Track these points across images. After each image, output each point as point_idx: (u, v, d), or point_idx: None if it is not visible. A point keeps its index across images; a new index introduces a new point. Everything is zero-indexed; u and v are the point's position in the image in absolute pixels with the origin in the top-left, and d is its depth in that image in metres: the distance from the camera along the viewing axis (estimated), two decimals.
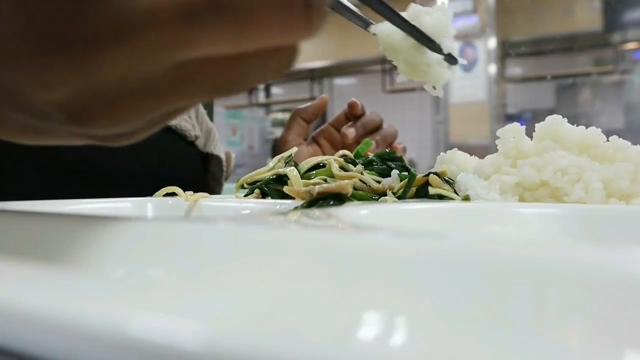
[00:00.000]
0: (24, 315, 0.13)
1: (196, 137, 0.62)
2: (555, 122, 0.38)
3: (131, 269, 0.16)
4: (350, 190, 0.31)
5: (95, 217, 0.21)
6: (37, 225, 0.21)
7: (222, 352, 0.10)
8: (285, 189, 0.36)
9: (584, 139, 0.37)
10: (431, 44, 0.39)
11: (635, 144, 0.37)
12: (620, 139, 0.37)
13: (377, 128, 0.61)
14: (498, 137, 0.39)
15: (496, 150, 0.39)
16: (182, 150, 0.61)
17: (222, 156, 0.68)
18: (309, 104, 0.65)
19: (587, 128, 0.38)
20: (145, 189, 0.56)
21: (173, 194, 0.39)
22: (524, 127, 0.39)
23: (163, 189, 0.40)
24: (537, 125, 0.39)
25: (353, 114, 0.62)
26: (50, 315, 0.13)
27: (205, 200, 0.37)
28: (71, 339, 0.12)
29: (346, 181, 0.31)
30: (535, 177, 0.35)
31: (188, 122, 0.61)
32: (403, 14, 0.38)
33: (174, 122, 0.58)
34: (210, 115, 0.71)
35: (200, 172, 0.66)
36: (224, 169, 0.68)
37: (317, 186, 0.30)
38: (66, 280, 0.16)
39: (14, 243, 0.20)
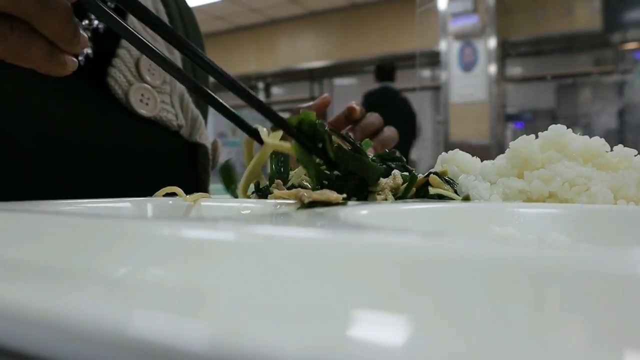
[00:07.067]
0: (24, 315, 0.13)
1: (180, 127, 0.60)
2: (559, 132, 0.37)
3: (131, 269, 0.16)
4: (339, 198, 0.30)
5: (95, 217, 0.21)
6: (37, 225, 0.21)
7: (224, 353, 0.10)
8: (276, 193, 0.36)
9: (588, 149, 0.36)
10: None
11: (635, 144, 0.36)
12: (625, 147, 0.36)
13: (377, 131, 0.61)
14: (499, 138, 0.39)
15: (496, 151, 0.39)
16: (166, 141, 0.60)
17: (209, 145, 0.66)
18: (311, 102, 0.64)
19: (587, 128, 0.37)
20: (131, 185, 0.54)
21: (173, 194, 0.39)
22: (523, 128, 0.38)
23: (163, 189, 0.40)
24: (540, 134, 0.38)
25: (352, 119, 0.61)
26: (50, 315, 0.13)
27: (205, 200, 0.37)
28: (71, 339, 0.12)
29: (334, 193, 0.30)
30: (543, 189, 0.35)
31: (170, 112, 0.59)
32: None
33: (154, 114, 0.56)
34: (205, 114, 0.69)
35: (188, 163, 0.64)
36: (210, 157, 0.66)
37: (306, 194, 0.30)
38: (66, 280, 0.16)
39: (14, 243, 0.20)
